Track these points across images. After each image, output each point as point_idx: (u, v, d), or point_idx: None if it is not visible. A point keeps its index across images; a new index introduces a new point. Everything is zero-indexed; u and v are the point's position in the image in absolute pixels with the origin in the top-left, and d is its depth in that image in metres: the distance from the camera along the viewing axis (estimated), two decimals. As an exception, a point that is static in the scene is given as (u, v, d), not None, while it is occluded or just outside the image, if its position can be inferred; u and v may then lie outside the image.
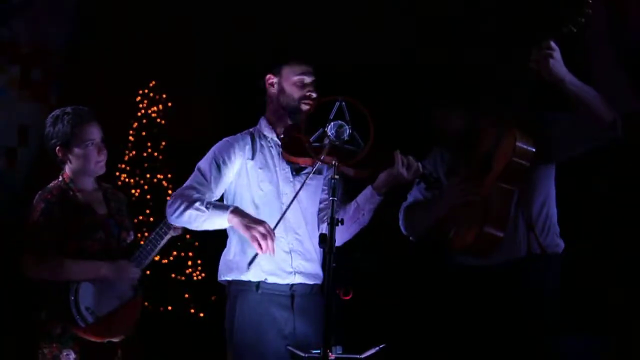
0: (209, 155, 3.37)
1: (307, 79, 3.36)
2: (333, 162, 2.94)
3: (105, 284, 3.37)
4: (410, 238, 3.57)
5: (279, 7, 6.44)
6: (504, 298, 3.26)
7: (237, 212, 3.19)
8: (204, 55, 6.95)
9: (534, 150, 3.17)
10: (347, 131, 2.96)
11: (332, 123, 2.97)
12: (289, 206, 3.15)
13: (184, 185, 3.33)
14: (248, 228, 3.11)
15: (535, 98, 3.15)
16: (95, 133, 3.46)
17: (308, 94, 3.35)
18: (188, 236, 6.90)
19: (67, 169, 3.47)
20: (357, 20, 6.36)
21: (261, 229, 3.09)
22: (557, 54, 2.96)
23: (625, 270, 4.79)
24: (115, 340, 3.39)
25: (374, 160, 3.19)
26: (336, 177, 2.93)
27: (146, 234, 3.71)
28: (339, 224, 2.89)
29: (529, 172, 3.22)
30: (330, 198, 2.91)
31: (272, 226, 3.14)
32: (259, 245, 3.08)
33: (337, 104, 2.99)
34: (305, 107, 3.34)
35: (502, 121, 3.20)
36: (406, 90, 6.05)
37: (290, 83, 3.36)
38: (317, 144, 3.06)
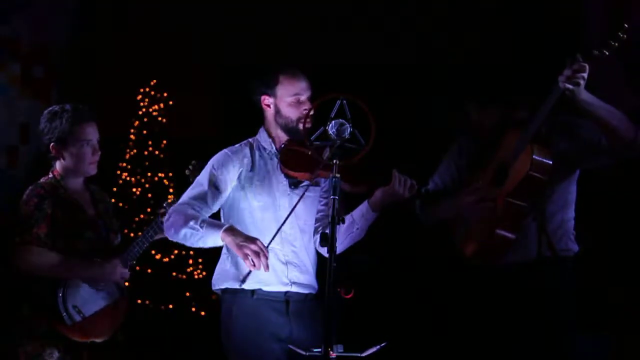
0: (208, 169, 3.36)
1: (303, 97, 3.33)
2: (334, 161, 2.94)
3: (93, 283, 3.34)
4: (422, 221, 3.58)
5: (279, 6, 6.44)
6: (511, 299, 3.25)
7: (230, 230, 3.16)
8: (204, 54, 6.95)
9: (551, 163, 3.15)
10: (348, 129, 2.95)
11: (333, 121, 2.96)
12: (284, 221, 3.15)
13: (181, 198, 3.32)
14: (240, 247, 3.09)
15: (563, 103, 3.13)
16: (92, 133, 3.42)
17: (305, 112, 3.31)
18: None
19: (58, 166, 3.43)
20: (357, 19, 6.36)
21: (253, 246, 3.07)
22: (586, 75, 2.95)
23: (626, 269, 4.79)
24: (98, 340, 3.34)
25: (371, 176, 3.19)
26: (337, 175, 2.92)
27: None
28: (340, 222, 2.89)
29: (546, 185, 3.20)
30: (331, 197, 2.89)
31: (266, 242, 3.16)
32: (253, 263, 3.08)
33: (338, 102, 2.98)
34: (303, 127, 3.28)
35: (525, 131, 3.16)
36: (407, 90, 6.07)
37: (286, 104, 3.33)
38: (318, 142, 3.05)
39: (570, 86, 2.95)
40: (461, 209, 3.35)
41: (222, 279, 3.37)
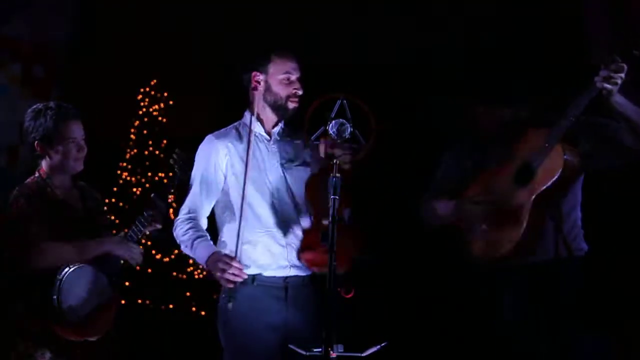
0: (196, 164, 3.45)
1: (293, 76, 3.40)
2: (334, 160, 2.95)
3: (86, 282, 3.33)
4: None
5: (279, 6, 6.45)
6: (529, 300, 3.21)
7: (209, 261, 3.30)
8: (204, 53, 6.96)
9: (577, 163, 3.14)
10: (349, 129, 2.96)
11: (333, 121, 2.98)
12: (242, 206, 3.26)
13: (184, 202, 3.45)
14: (212, 269, 3.26)
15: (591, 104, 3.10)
16: (77, 131, 3.42)
17: (294, 91, 3.39)
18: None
19: (44, 165, 3.42)
20: (357, 19, 6.36)
21: (220, 264, 3.22)
22: (624, 75, 2.93)
23: (625, 269, 4.79)
24: (92, 339, 3.34)
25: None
26: (337, 175, 2.93)
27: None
28: (341, 221, 2.91)
29: (569, 183, 3.20)
30: (332, 196, 2.92)
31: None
32: (227, 280, 3.20)
33: (339, 101, 2.99)
34: (291, 105, 3.40)
35: (554, 130, 3.11)
36: (408, 90, 6.07)
37: (277, 81, 3.40)
38: (317, 142, 3.08)
39: (608, 86, 2.93)
40: (462, 213, 3.33)
41: None
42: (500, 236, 3.23)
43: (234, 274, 3.18)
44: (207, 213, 3.45)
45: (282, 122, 3.46)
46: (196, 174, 3.44)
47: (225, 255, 3.24)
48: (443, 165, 3.53)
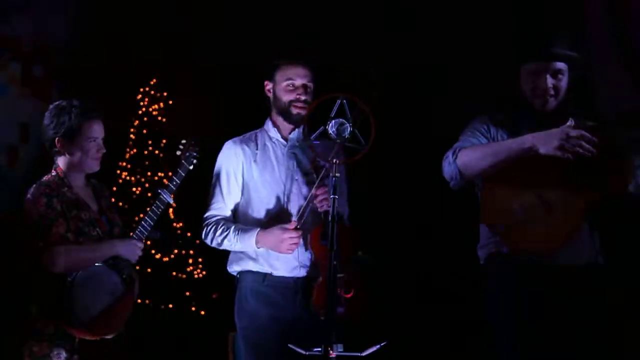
0: (218, 169, 3.55)
1: (297, 82, 3.47)
2: (334, 160, 2.96)
3: (98, 280, 3.33)
4: (453, 182, 3.22)
5: (278, 6, 6.45)
6: (553, 303, 3.15)
7: (260, 236, 3.38)
8: (204, 54, 6.96)
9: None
10: (348, 129, 2.97)
11: (333, 121, 2.98)
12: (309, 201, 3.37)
13: (208, 208, 3.54)
14: (277, 247, 3.33)
15: None
16: (99, 131, 3.44)
17: (296, 97, 3.47)
18: (189, 234, 6.92)
19: (61, 163, 3.42)
20: (357, 19, 6.37)
21: (288, 241, 3.31)
22: None
23: (625, 270, 4.79)
24: (108, 337, 3.34)
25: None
26: (337, 175, 2.95)
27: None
28: (340, 221, 2.92)
29: None
30: (331, 196, 2.93)
31: (292, 222, 3.36)
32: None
33: (339, 101, 2.99)
34: (295, 111, 3.48)
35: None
36: (408, 90, 6.08)
37: (281, 88, 3.50)
38: (317, 141, 3.09)
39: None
40: (557, 140, 3.00)
41: (237, 260, 3.51)
42: (560, 226, 3.10)
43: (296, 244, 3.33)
44: (230, 216, 3.53)
45: (301, 127, 3.50)
46: (217, 178, 3.54)
47: (288, 231, 3.32)
48: (473, 128, 3.30)
